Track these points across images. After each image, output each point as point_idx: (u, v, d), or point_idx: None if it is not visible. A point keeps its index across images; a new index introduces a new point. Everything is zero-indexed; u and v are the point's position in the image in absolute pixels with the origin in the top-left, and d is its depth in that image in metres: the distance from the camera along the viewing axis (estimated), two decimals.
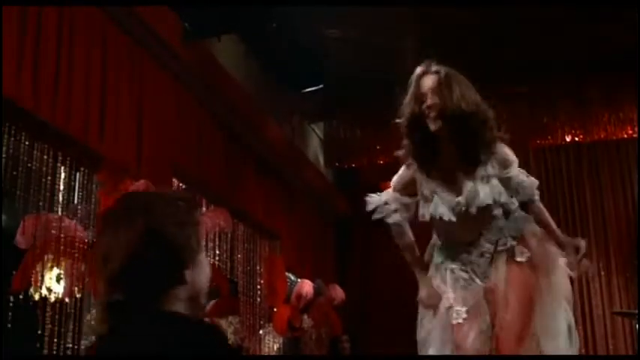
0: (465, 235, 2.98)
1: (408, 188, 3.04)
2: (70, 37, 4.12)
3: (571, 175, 8.43)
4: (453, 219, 2.90)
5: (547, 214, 3.09)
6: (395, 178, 3.12)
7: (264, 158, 6.86)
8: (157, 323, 1.46)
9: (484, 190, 2.89)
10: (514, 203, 3.01)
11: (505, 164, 2.95)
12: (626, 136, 8.21)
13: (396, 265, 8.19)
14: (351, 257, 9.04)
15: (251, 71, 6.62)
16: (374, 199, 3.11)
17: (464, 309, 2.89)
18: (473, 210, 2.88)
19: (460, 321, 2.88)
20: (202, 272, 1.58)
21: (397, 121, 3.03)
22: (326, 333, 7.32)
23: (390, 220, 3.07)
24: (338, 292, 7.61)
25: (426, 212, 2.97)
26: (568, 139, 8.35)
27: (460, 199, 2.89)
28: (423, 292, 3.04)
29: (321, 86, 6.70)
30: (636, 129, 8.05)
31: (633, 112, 7.98)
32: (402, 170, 3.10)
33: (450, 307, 2.93)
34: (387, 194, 3.10)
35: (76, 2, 4.19)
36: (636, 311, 6.52)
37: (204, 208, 5.74)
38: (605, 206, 8.28)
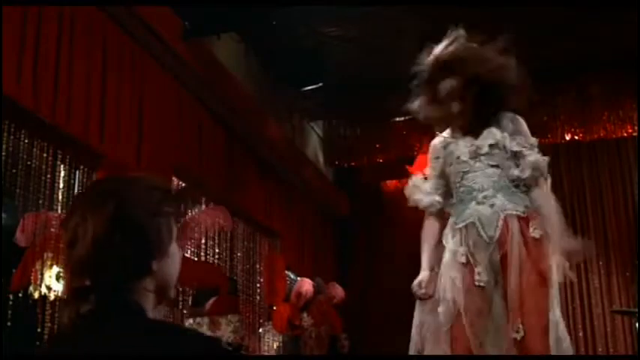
0: (478, 180, 3.07)
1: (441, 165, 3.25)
2: (70, 36, 4.13)
3: (571, 174, 8.42)
4: (466, 154, 3.10)
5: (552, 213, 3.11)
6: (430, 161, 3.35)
7: (263, 157, 6.87)
8: (123, 317, 1.42)
9: (495, 131, 3.13)
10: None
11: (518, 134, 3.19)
12: (625, 134, 8.20)
13: (396, 264, 8.19)
14: (351, 255, 9.05)
15: (251, 70, 6.63)
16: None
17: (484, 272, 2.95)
18: (484, 148, 3.08)
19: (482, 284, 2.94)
20: (171, 265, 1.52)
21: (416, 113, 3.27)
22: (326, 331, 7.33)
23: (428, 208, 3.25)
24: (338, 291, 7.61)
25: (447, 156, 3.17)
26: (568, 137, 8.34)
27: (475, 141, 3.13)
28: (417, 280, 3.12)
29: (320, 85, 6.71)
30: (636, 128, 8.05)
31: (633, 110, 7.98)
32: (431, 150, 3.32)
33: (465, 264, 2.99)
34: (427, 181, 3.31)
35: (76, 2, 4.19)
36: (636, 310, 6.52)
37: (203, 206, 5.75)
38: (604, 205, 8.28)
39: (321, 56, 6.56)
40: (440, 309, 3.00)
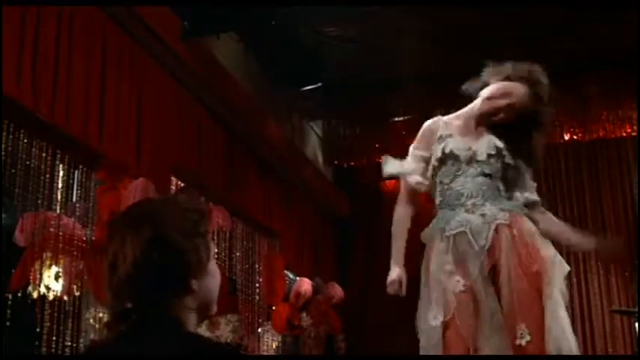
0: (468, 186, 3.04)
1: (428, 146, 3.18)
2: (69, 36, 4.13)
3: (570, 174, 8.42)
4: (462, 157, 3.06)
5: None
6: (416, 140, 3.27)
7: (263, 156, 6.86)
8: (167, 332, 1.46)
9: (497, 142, 3.10)
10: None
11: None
12: (625, 134, 8.20)
13: None
14: (350, 255, 9.04)
15: (250, 70, 6.62)
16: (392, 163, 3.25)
17: (462, 281, 2.92)
18: (482, 156, 3.06)
19: (461, 289, 2.91)
20: (212, 283, 1.57)
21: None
22: (325, 331, 7.33)
23: (409, 180, 3.19)
24: (337, 291, 7.62)
25: (438, 150, 3.10)
26: (567, 137, 8.34)
27: (472, 145, 3.09)
28: (392, 277, 3.08)
29: (320, 85, 6.71)
30: (635, 127, 8.05)
31: (632, 110, 7.97)
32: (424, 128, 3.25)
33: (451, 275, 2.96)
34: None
35: (76, 2, 4.19)
36: (635, 309, 6.52)
37: None
38: (604, 205, 8.27)
39: (321, 56, 6.56)
40: (431, 317, 2.96)
